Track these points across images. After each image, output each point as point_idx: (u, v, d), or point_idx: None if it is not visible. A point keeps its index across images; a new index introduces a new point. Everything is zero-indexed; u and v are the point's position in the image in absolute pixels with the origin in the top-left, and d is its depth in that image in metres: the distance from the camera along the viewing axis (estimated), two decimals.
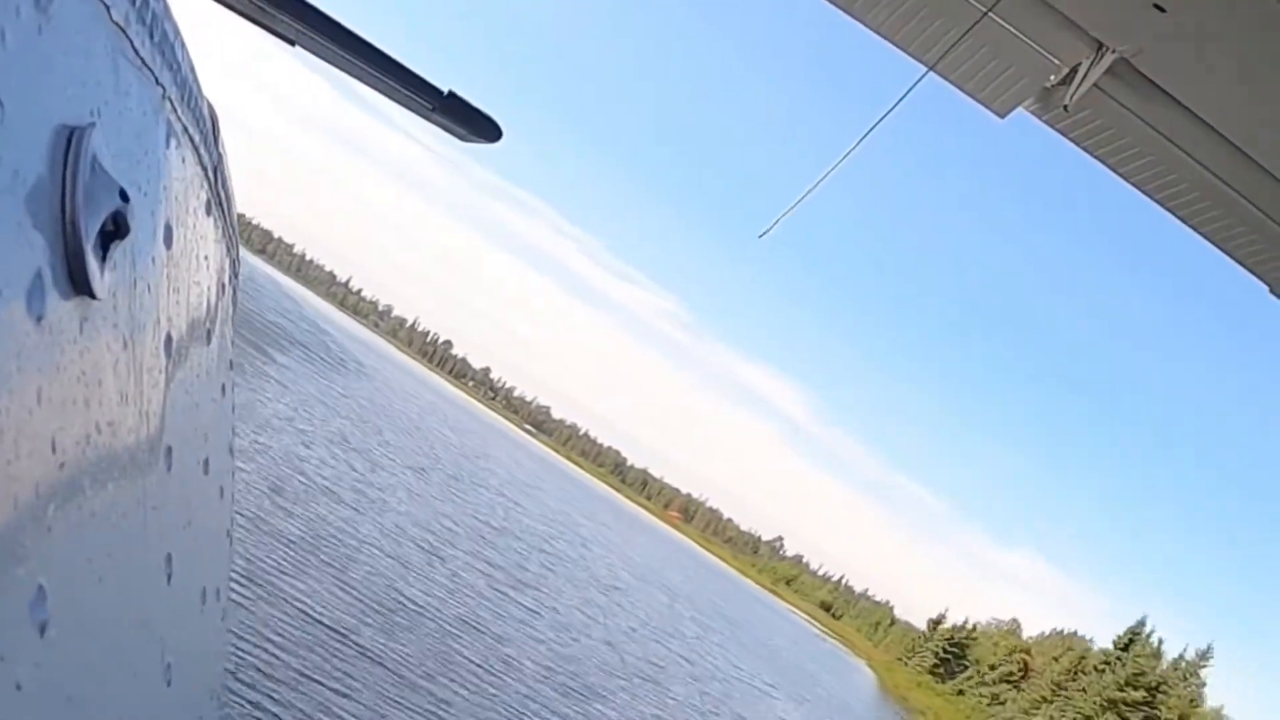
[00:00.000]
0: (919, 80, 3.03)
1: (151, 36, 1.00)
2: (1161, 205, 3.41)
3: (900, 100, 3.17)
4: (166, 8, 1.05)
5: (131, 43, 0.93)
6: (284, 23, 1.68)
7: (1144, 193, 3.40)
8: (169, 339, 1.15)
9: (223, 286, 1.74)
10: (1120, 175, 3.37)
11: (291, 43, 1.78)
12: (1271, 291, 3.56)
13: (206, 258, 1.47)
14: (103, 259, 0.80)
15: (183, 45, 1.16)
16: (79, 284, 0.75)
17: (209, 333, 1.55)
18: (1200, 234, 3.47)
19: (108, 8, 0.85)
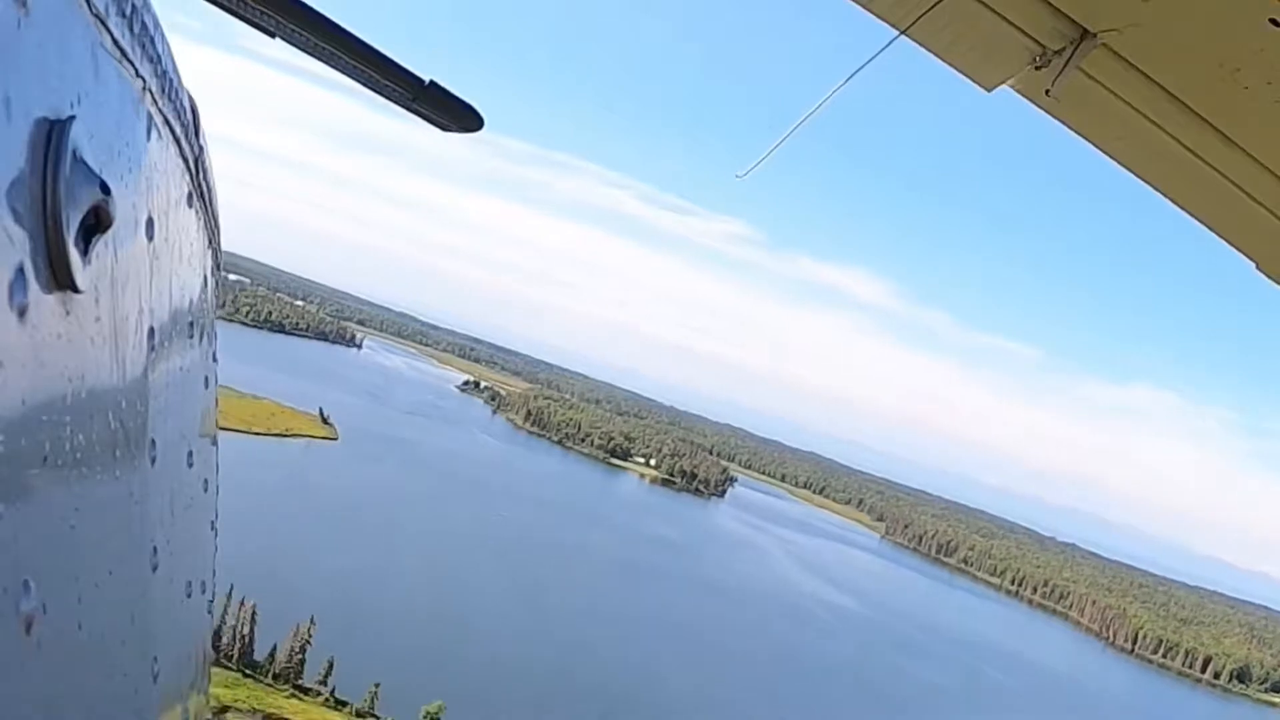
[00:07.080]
0: (889, 43, 3.03)
1: (131, 28, 1.00)
2: (1150, 185, 3.43)
3: (871, 59, 3.17)
4: None
5: (111, 34, 0.93)
6: (263, 14, 1.66)
7: (1132, 172, 3.41)
8: (151, 331, 1.15)
9: (205, 278, 1.73)
10: (1107, 155, 3.38)
11: (271, 34, 1.76)
12: (1258, 268, 3.58)
13: (188, 250, 1.47)
14: (84, 252, 0.81)
15: (163, 37, 1.16)
16: (61, 277, 0.76)
17: (191, 325, 1.54)
18: (1188, 213, 3.49)
19: (87, 0, 0.85)
